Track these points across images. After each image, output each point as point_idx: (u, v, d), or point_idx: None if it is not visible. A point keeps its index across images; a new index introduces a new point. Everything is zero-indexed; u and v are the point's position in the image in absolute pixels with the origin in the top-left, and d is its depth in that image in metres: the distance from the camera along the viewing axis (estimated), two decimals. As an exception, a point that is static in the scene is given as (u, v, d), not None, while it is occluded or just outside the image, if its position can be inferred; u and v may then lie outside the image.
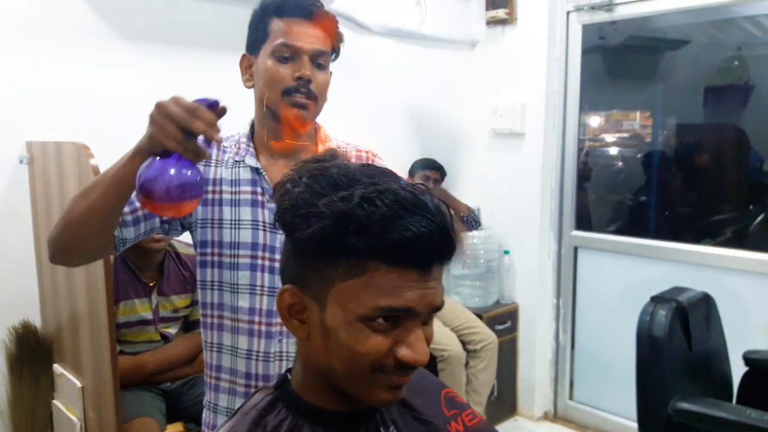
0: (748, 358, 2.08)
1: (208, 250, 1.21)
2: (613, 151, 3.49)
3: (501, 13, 3.11)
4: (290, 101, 1.16)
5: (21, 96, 1.96)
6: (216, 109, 0.94)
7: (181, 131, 0.91)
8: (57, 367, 1.99)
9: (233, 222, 1.20)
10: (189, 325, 2.21)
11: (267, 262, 1.19)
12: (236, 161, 1.22)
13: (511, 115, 3.16)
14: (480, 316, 2.97)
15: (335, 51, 1.23)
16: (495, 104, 3.21)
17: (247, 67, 1.25)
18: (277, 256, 1.18)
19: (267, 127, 1.22)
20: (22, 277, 2.03)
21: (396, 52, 2.99)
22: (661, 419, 1.85)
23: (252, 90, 1.25)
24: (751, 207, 2.92)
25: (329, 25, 1.19)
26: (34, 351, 1.99)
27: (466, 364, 2.80)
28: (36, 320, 2.04)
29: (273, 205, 1.19)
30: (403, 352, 0.66)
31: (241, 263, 1.19)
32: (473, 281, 3.14)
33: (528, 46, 3.09)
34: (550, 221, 3.17)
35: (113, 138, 2.05)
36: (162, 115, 0.91)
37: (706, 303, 2.06)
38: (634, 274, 2.95)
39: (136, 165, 0.94)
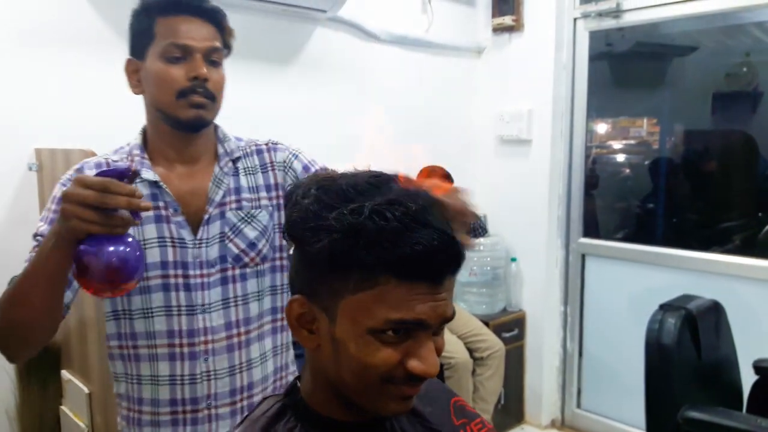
0: (759, 367, 2.06)
1: None
2: (621, 157, 3.47)
3: (508, 20, 3.11)
4: (187, 102, 1.10)
5: (29, 103, 1.97)
6: (129, 176, 0.87)
7: (100, 213, 0.84)
8: (65, 373, 1.99)
9: None
10: (196, 331, 2.20)
11: (180, 280, 1.13)
12: None
13: (518, 122, 3.15)
14: (487, 324, 2.96)
15: (227, 47, 1.19)
16: (502, 111, 3.21)
17: (132, 71, 1.16)
18: (191, 272, 1.14)
19: (163, 132, 1.17)
20: (30, 283, 2.03)
21: (402, 60, 3.00)
22: (670, 428, 1.83)
23: (142, 96, 1.19)
24: (760, 214, 2.90)
25: (219, 20, 1.14)
26: (41, 357, 2.00)
27: (473, 371, 2.79)
28: (44, 326, 2.05)
29: (180, 218, 1.13)
30: (414, 364, 0.66)
31: (152, 285, 1.12)
32: (480, 288, 3.13)
33: (535, 53, 3.09)
34: (557, 228, 3.16)
35: (120, 145, 2.08)
36: (74, 203, 0.84)
37: (715, 311, 2.05)
38: (642, 281, 2.94)
39: (64, 254, 0.88)
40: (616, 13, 2.89)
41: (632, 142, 3.39)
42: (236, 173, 1.23)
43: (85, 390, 1.86)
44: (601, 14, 2.94)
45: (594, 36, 3.03)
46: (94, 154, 1.70)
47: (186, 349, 1.14)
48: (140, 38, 1.13)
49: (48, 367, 2.01)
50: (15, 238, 2.00)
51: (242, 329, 1.20)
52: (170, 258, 1.14)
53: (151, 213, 1.12)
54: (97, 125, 2.07)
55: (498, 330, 3.00)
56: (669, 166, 3.23)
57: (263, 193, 1.23)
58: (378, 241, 0.62)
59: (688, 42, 3.06)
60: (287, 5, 2.39)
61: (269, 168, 1.26)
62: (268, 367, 1.25)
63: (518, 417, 3.25)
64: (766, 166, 2.87)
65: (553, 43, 3.02)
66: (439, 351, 0.68)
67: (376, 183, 0.68)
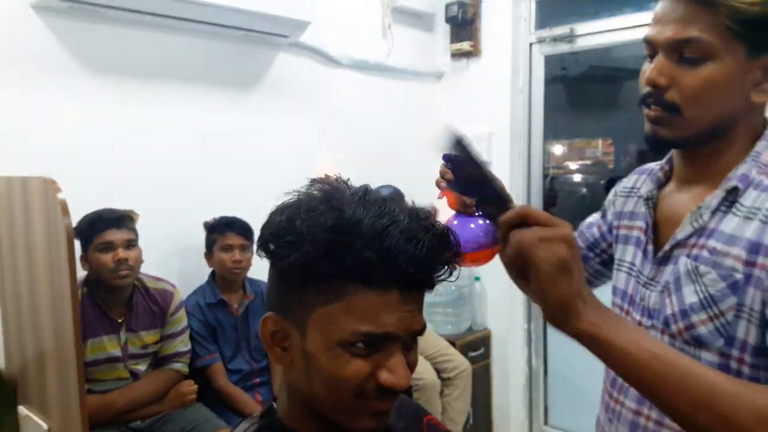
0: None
1: None
2: (577, 177, 3.57)
3: (466, 45, 3.18)
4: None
5: (-15, 131, 1.93)
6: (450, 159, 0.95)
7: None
8: (22, 409, 1.92)
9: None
10: (158, 361, 2.16)
11: (625, 316, 0.98)
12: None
13: (478, 145, 3.17)
14: (453, 344, 2.97)
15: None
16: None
17: None
18: (634, 315, 0.97)
19: None
20: (-16, 316, 1.97)
21: (364, 84, 3.03)
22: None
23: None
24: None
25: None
26: (-4, 393, 1.93)
27: (441, 392, 2.79)
28: (-1, 360, 1.98)
29: (650, 248, 0.96)
30: (384, 377, 0.66)
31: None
32: (446, 308, 3.15)
33: (492, 77, 3.16)
34: (519, 247, 3.20)
35: (80, 172, 2.05)
36: None
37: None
38: (604, 297, 2.99)
39: None
40: (570, 38, 2.99)
41: (588, 162, 3.49)
42: (729, 208, 0.86)
43: (44, 426, 1.80)
44: (555, 39, 3.03)
45: (549, 60, 3.13)
46: (53, 182, 1.67)
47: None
48: None
49: (4, 403, 1.94)
50: (-31, 269, 1.94)
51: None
52: (629, 290, 0.98)
53: (635, 233, 1.01)
54: (57, 153, 2.03)
55: (464, 349, 3.02)
56: (624, 184, 3.33)
57: (738, 251, 0.82)
58: (345, 248, 0.64)
59: (639, 66, 3.17)
60: (249, 31, 2.41)
61: None
62: None
63: (486, 437, 3.26)
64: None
65: (509, 67, 3.10)
66: (411, 366, 0.69)
67: (352, 198, 0.68)
